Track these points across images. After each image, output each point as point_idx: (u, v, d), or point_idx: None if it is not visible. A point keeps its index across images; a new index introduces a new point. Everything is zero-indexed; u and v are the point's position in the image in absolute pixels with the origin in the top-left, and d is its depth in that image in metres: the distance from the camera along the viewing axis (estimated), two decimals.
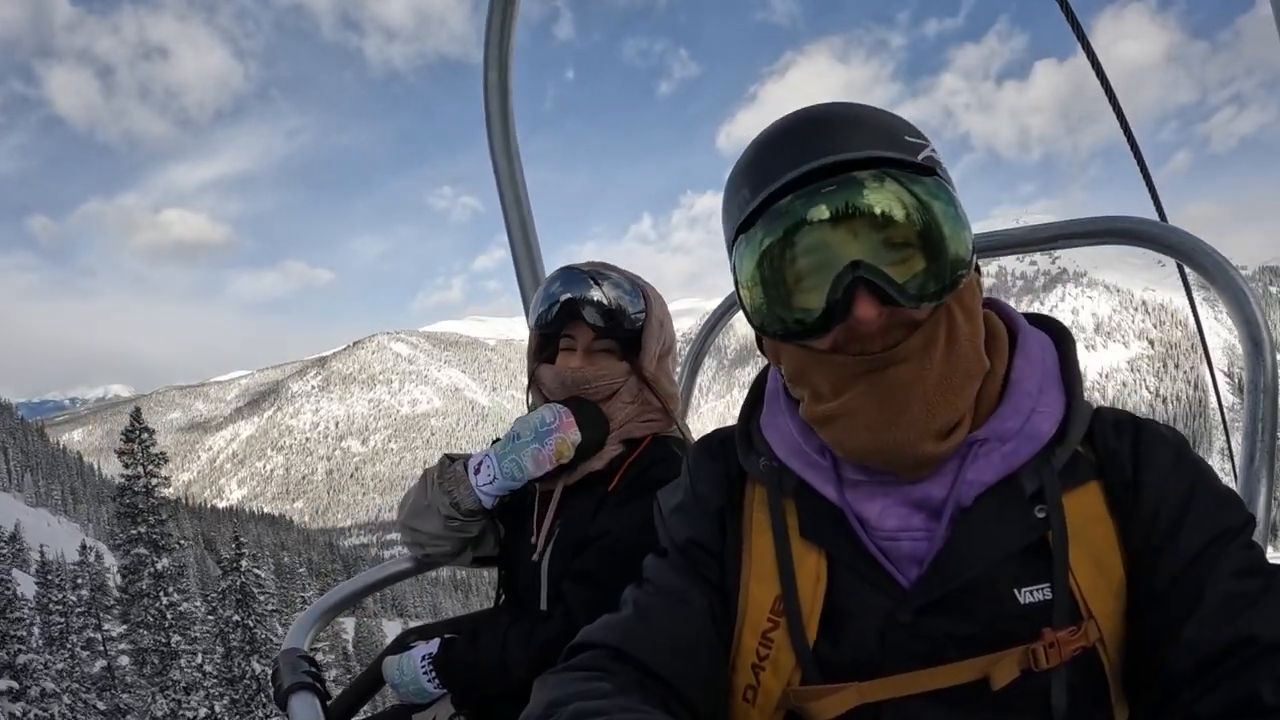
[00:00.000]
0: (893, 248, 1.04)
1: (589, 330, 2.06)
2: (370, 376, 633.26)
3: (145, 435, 30.34)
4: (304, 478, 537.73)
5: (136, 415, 31.16)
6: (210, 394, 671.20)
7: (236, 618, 30.20)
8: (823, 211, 1.03)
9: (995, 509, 1.08)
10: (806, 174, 1.05)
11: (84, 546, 44.19)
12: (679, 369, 2.55)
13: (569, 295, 2.04)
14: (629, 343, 2.10)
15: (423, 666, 2.02)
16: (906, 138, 1.07)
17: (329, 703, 1.91)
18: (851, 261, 1.03)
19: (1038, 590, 1.06)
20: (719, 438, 1.36)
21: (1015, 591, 1.07)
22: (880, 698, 1.08)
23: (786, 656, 1.14)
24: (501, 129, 2.93)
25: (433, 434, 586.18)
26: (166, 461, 31.18)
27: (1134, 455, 1.12)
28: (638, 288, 2.11)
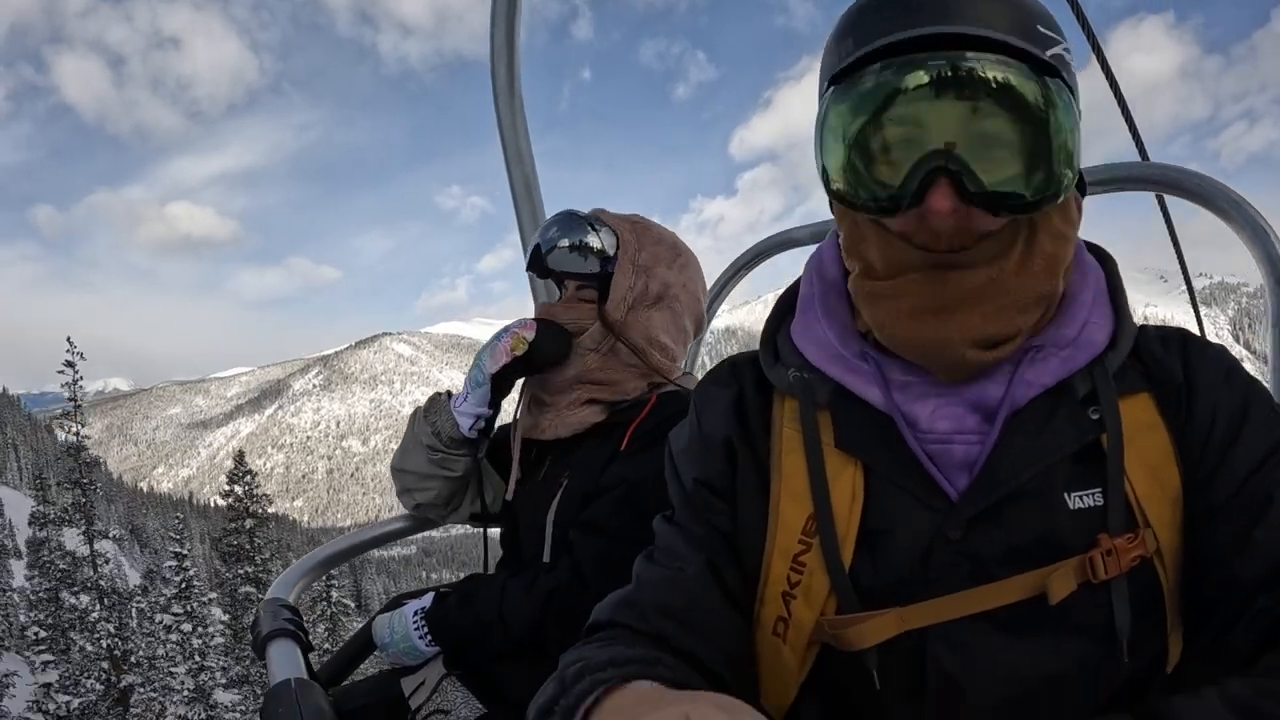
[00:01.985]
0: (990, 144, 0.96)
1: (571, 277, 2.03)
2: (372, 377, 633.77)
3: (250, 477, 30.18)
4: (304, 476, 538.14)
5: (240, 459, 31.15)
6: (211, 390, 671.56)
7: (327, 646, 29.72)
8: (924, 82, 0.95)
9: (1048, 410, 1.03)
10: (917, 39, 0.96)
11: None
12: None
13: (541, 240, 2.03)
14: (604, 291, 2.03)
15: (414, 622, 1.92)
16: (1039, 27, 0.98)
17: (316, 669, 1.81)
18: (938, 148, 0.95)
19: (1089, 495, 1.01)
20: (729, 362, 1.29)
21: (1065, 496, 1.01)
22: (925, 623, 1.01)
23: (820, 581, 1.06)
24: (506, 76, 2.86)
25: None
26: (271, 503, 31.07)
27: (1184, 364, 1.08)
28: (610, 234, 2.04)
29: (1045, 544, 0.99)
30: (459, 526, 2.41)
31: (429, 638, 1.90)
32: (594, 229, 2.03)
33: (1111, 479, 1.00)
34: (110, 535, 27.89)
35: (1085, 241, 1.18)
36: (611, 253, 2.02)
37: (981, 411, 1.04)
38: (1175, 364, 1.08)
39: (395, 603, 2.08)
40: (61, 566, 25.77)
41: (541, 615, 1.78)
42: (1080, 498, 1.01)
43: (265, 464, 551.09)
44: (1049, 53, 0.97)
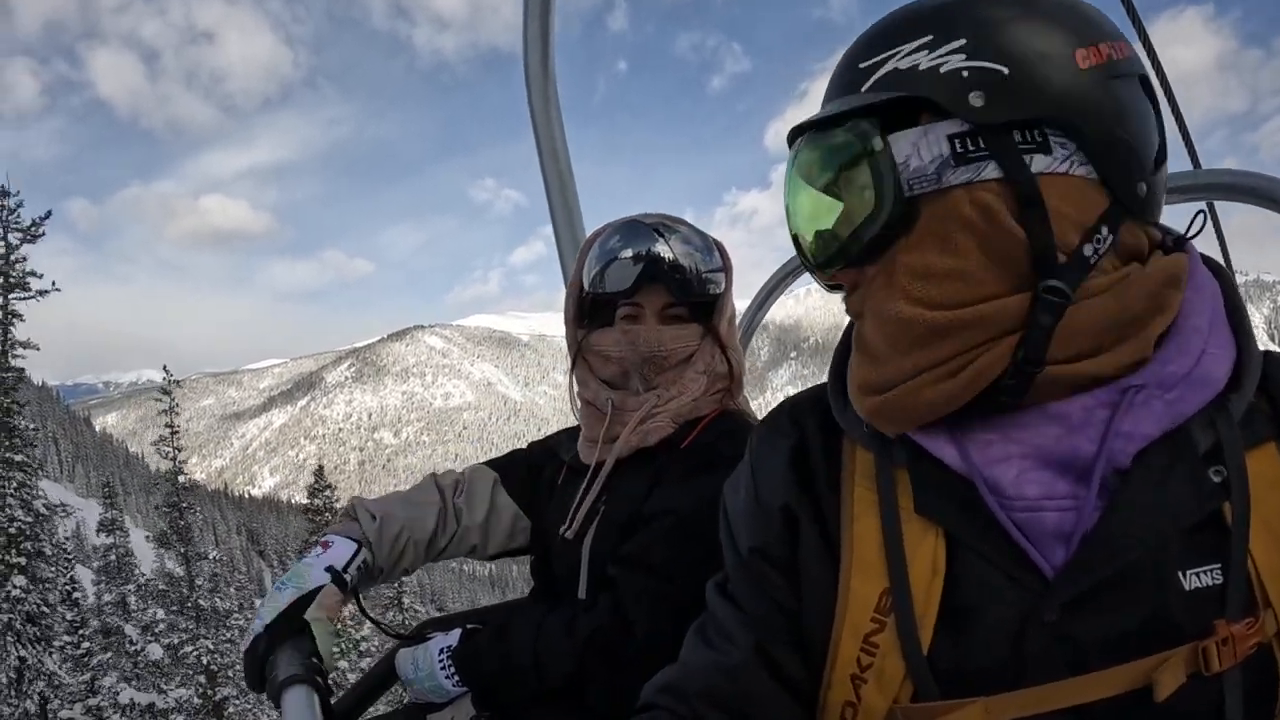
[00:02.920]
0: (801, 222, 1.00)
1: (664, 294, 1.79)
2: (404, 369, 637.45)
3: (329, 491, 30.34)
4: (336, 467, 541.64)
5: (320, 473, 31.27)
6: (243, 382, 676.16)
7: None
8: (785, 182, 1.02)
9: (1161, 469, 0.88)
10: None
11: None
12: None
13: (638, 253, 1.77)
14: (698, 305, 1.84)
15: (440, 660, 1.74)
16: (859, 64, 0.94)
17: (333, 699, 1.66)
18: (793, 234, 1.02)
19: (1206, 573, 0.87)
20: (789, 405, 1.17)
21: (1180, 575, 0.87)
22: (1014, 715, 0.89)
23: (894, 665, 0.95)
24: (540, 71, 2.73)
25: (465, 428, 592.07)
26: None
27: None
28: (710, 244, 1.84)
29: (1153, 629, 0.87)
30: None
31: (456, 678, 1.73)
32: (713, 245, 1.86)
33: (1235, 555, 0.87)
34: (209, 555, 27.95)
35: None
36: (719, 266, 1.85)
37: (1074, 471, 0.91)
38: None
39: (420, 633, 1.94)
40: (160, 587, 26.39)
41: (581, 659, 1.62)
42: (1196, 576, 0.87)
43: (298, 455, 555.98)
44: (867, 85, 0.93)
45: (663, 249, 1.77)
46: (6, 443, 21.45)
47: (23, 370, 22.78)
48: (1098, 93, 0.89)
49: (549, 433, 2.09)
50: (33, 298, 22.92)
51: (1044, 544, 0.91)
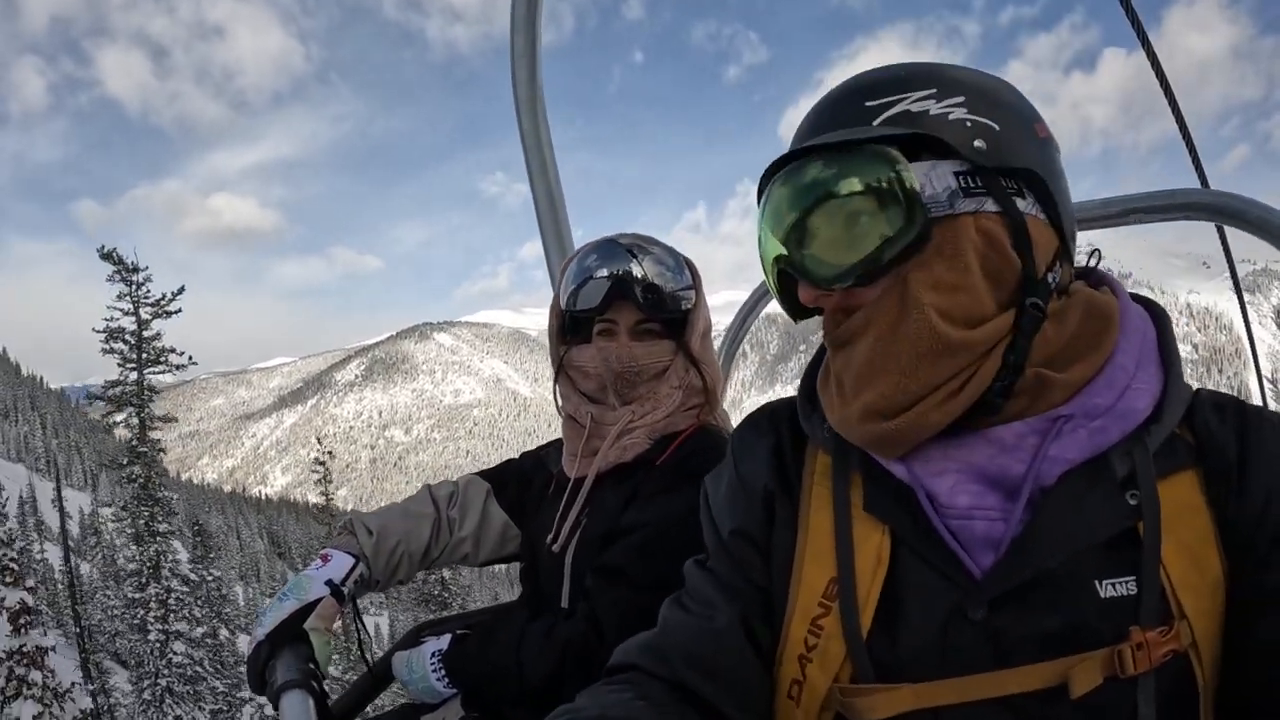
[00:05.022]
0: (808, 237, 1.04)
1: (635, 311, 1.88)
2: (413, 366, 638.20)
3: (329, 458, 30.32)
4: (348, 466, 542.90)
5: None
6: (253, 381, 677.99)
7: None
8: (762, 208, 1.08)
9: (1081, 490, 0.97)
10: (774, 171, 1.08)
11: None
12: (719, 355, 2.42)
13: (611, 272, 1.86)
14: (673, 322, 1.93)
15: (432, 664, 1.86)
16: (866, 103, 1.03)
17: (330, 701, 1.79)
18: (772, 257, 1.07)
19: (1122, 584, 0.95)
20: (768, 410, 1.27)
21: (1097, 584, 0.95)
22: (939, 702, 0.96)
23: (836, 648, 1.03)
24: (529, 85, 2.69)
25: (475, 424, 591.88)
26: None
27: (1240, 441, 1.00)
28: (681, 262, 1.94)
29: (1073, 632, 0.95)
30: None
31: (446, 680, 1.85)
32: (684, 264, 1.95)
33: (1146, 569, 0.94)
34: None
35: (1133, 294, 1.15)
36: (689, 284, 1.94)
37: (1003, 489, 1.00)
38: (1230, 437, 1.01)
39: (415, 637, 2.11)
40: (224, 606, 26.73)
41: (558, 666, 1.73)
42: (1112, 585, 0.95)
43: (309, 454, 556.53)
44: (878, 121, 1.02)
45: (634, 268, 1.86)
46: (148, 513, 22.35)
47: (159, 441, 23.44)
48: (1047, 156, 1.05)
49: (559, 428, 2.13)
50: (168, 371, 23.64)
51: (974, 549, 1.00)
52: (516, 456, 2.29)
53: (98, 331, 23.38)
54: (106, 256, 23.35)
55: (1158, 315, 1.11)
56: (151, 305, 23.56)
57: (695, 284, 1.93)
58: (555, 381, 2.02)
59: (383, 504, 2.32)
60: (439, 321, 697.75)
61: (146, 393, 23.15)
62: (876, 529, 1.05)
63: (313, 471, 28.90)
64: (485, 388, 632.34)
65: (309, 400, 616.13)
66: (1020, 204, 1.01)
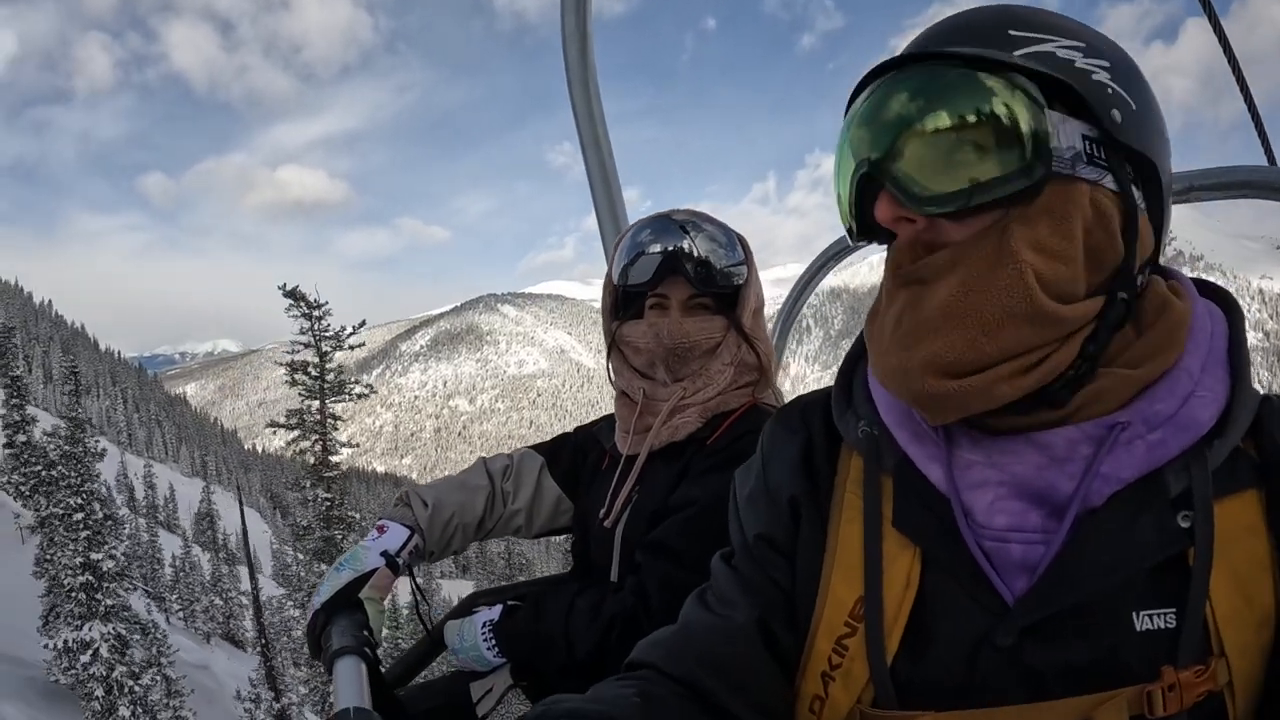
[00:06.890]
0: (918, 149, 0.92)
1: (686, 286, 1.87)
2: (478, 337, 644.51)
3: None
4: (412, 435, 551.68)
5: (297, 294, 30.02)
6: None
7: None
8: (860, 109, 0.96)
9: (1131, 511, 0.89)
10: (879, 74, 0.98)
11: None
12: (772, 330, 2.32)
13: (664, 247, 1.86)
14: (724, 298, 1.91)
15: (483, 634, 1.88)
16: (1010, 31, 0.93)
17: (386, 667, 1.82)
18: (862, 158, 0.95)
19: (1160, 616, 0.88)
20: (800, 404, 1.20)
21: (1134, 615, 0.88)
22: None
23: (860, 669, 0.99)
24: (580, 64, 2.68)
25: (539, 394, 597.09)
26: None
27: None
28: (733, 238, 1.92)
29: (1102, 666, 0.88)
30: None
31: (496, 649, 1.87)
32: (736, 240, 1.94)
33: (1191, 602, 0.87)
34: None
35: (1203, 281, 1.06)
36: (741, 260, 1.93)
37: (1047, 507, 0.92)
38: None
39: (467, 606, 2.12)
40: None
41: (604, 639, 1.75)
42: (1150, 617, 0.88)
43: (374, 422, 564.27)
44: (1020, 53, 0.91)
45: (686, 243, 1.85)
46: (331, 535, 24.13)
47: (339, 464, 25.66)
48: (1168, 155, 0.97)
49: None
50: (348, 400, 25.32)
51: (1008, 572, 0.93)
52: (570, 430, 2.31)
53: (279, 364, 25.59)
54: (290, 294, 24.69)
55: (1229, 307, 1.02)
56: (332, 339, 25.25)
57: (747, 260, 1.94)
58: (608, 357, 2.04)
59: (447, 473, 2.43)
60: (504, 293, 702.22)
61: (332, 420, 25.13)
62: (907, 547, 0.99)
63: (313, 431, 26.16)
64: (549, 359, 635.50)
65: (374, 370, 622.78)
66: (1135, 194, 0.93)
